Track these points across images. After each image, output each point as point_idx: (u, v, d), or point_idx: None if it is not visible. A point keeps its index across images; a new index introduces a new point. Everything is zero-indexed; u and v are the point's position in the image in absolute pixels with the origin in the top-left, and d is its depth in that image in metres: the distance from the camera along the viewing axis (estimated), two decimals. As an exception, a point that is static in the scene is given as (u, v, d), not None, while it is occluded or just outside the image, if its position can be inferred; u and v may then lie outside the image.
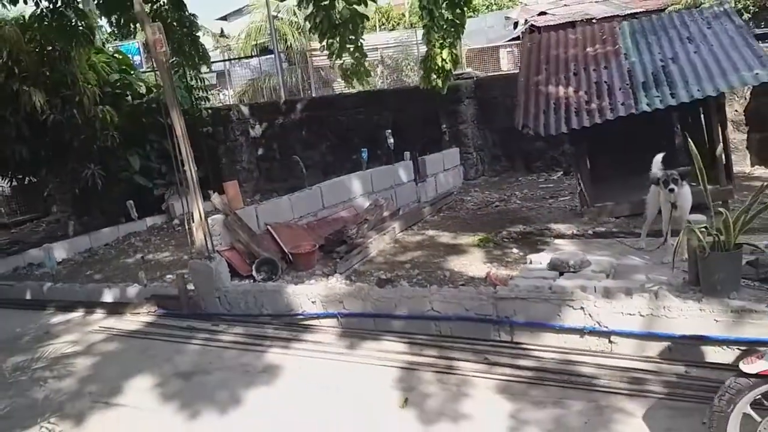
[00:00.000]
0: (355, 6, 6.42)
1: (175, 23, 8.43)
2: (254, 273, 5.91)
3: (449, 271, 5.63)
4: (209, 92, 21.47)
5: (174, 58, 10.13)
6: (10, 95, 9.68)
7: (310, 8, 6.73)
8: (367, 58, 7.28)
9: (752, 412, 2.66)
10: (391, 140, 9.78)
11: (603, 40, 7.31)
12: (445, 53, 7.50)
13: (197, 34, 8.88)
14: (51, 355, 5.16)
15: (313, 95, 16.15)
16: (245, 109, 13.83)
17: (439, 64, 7.61)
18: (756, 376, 2.61)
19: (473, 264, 5.76)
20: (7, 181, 13.19)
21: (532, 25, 19.18)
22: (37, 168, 11.62)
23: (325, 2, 6.53)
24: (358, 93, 12.35)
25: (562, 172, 10.68)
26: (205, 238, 5.65)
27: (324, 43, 6.80)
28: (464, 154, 11.44)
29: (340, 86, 19.16)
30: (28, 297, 7.14)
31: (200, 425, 3.74)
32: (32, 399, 4.34)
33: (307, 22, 7.27)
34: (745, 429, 2.64)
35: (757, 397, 2.65)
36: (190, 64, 8.91)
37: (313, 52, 19.06)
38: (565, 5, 21.90)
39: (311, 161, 12.54)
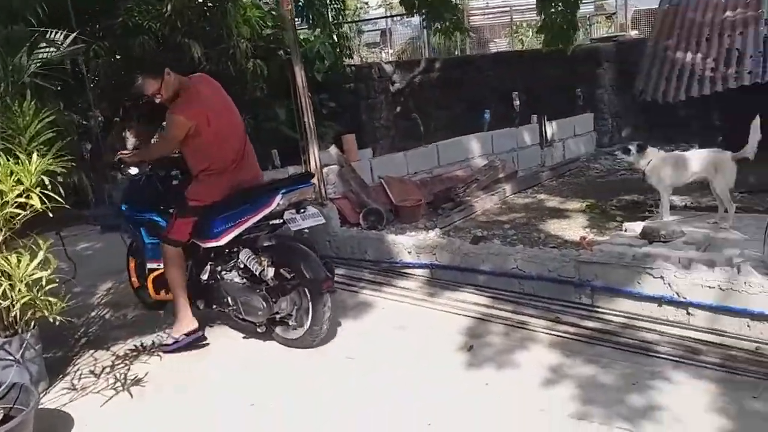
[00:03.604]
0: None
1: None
2: (361, 221, 6.31)
3: (545, 234, 5.71)
4: (371, 50, 22.16)
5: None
6: (173, 47, 10.72)
7: None
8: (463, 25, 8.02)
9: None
10: (518, 102, 9.78)
11: (746, 4, 6.85)
12: (560, 19, 7.39)
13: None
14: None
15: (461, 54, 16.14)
16: (386, 67, 14.23)
17: (557, 30, 7.52)
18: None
19: (572, 229, 5.80)
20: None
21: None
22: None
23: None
24: (494, 54, 12.34)
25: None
26: (320, 186, 6.13)
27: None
28: (599, 121, 11.15)
29: (496, 47, 19.06)
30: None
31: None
32: (156, 313, 4.98)
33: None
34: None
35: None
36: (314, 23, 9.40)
37: (471, 12, 19.05)
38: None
39: (444, 121, 12.76)
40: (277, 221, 4.09)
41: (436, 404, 3.28)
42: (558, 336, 3.96)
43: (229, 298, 4.13)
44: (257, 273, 3.96)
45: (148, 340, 4.44)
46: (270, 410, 3.39)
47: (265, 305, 3.91)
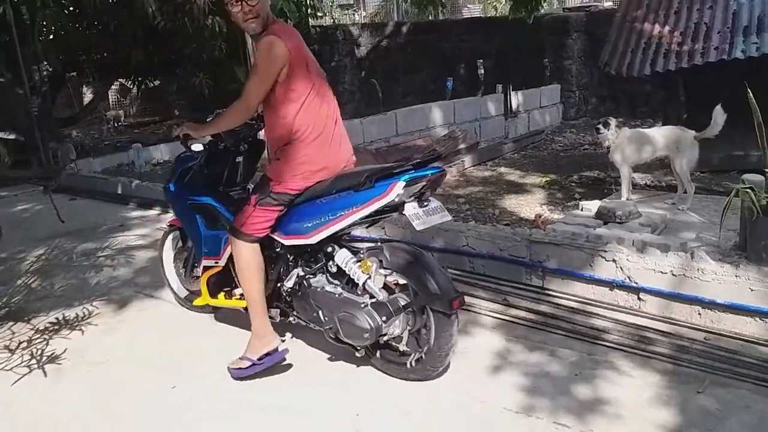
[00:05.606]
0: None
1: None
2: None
3: (501, 210, 5.52)
4: (345, 12, 21.58)
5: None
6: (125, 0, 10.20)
7: None
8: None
9: None
10: (482, 70, 9.52)
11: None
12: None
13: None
14: (118, 245, 5.60)
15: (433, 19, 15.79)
16: (353, 30, 13.81)
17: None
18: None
19: (529, 205, 5.62)
20: (130, 83, 14.03)
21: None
22: (154, 73, 12.25)
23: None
24: (465, 20, 12.06)
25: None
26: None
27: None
28: (566, 92, 10.96)
29: (469, 12, 18.73)
30: (119, 191, 7.70)
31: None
32: (86, 282, 4.76)
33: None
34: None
35: None
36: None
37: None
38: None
39: (411, 87, 12.46)
40: (382, 216, 3.20)
41: (366, 394, 3.08)
42: (505, 320, 3.80)
43: (321, 313, 3.18)
44: (360, 282, 3.06)
45: (72, 312, 4.17)
46: (195, 390, 3.17)
47: (372, 325, 2.94)
